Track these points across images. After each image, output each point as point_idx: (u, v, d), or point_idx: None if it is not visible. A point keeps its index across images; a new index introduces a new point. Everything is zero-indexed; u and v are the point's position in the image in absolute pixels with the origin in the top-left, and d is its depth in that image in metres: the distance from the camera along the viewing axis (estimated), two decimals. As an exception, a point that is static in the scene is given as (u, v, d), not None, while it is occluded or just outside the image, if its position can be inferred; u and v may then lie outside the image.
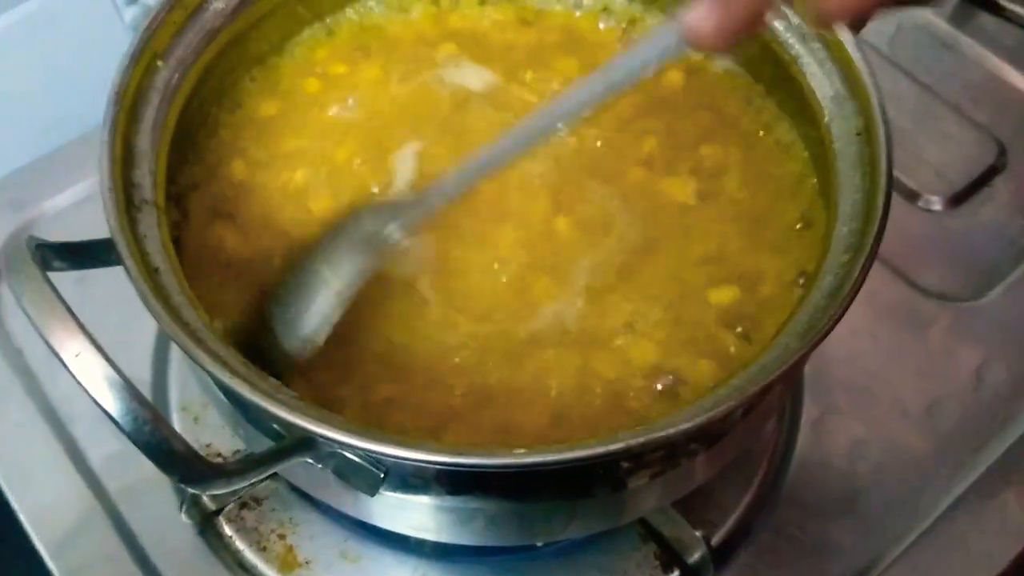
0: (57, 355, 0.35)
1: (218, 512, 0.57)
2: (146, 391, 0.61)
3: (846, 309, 0.40)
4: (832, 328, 0.40)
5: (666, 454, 0.43)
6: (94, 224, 0.43)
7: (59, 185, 0.70)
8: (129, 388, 0.35)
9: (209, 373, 0.39)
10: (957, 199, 0.72)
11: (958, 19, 0.81)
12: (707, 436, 0.43)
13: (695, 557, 0.55)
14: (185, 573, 0.55)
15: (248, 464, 0.39)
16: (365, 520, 0.47)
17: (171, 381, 0.62)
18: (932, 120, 0.76)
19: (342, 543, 0.56)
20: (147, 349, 0.62)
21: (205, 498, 0.57)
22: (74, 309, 0.61)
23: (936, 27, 0.80)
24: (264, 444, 0.44)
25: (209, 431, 0.59)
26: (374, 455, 0.39)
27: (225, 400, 0.46)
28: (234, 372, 0.39)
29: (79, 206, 0.69)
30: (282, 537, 0.56)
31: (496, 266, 0.49)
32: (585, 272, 0.49)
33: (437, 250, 0.49)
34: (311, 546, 0.56)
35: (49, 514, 0.57)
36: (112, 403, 0.35)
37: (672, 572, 0.56)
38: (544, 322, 0.47)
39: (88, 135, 0.74)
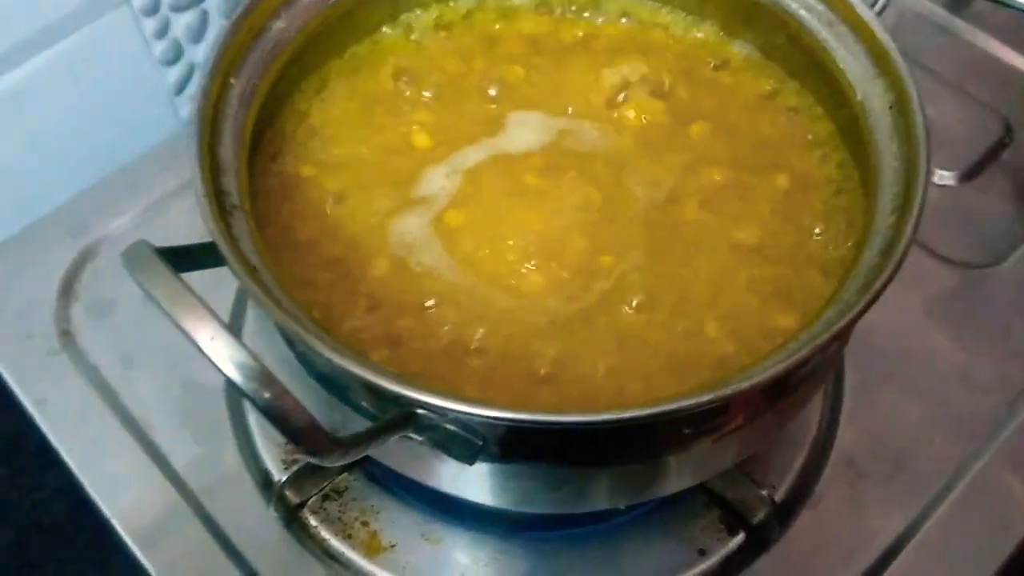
0: (192, 341, 0.38)
1: (301, 505, 0.60)
2: (222, 394, 0.64)
3: (901, 262, 0.44)
4: (891, 279, 0.43)
5: (745, 407, 0.46)
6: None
7: (114, 211, 0.73)
8: (261, 368, 0.38)
9: (327, 360, 0.41)
10: (970, 174, 0.76)
11: (954, 6, 0.85)
12: (782, 388, 0.47)
13: (760, 517, 0.58)
14: (277, 565, 0.58)
15: (361, 437, 0.42)
16: (458, 495, 0.50)
17: (245, 384, 0.64)
18: (938, 102, 0.80)
19: (422, 525, 0.59)
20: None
21: (288, 492, 0.60)
22: (140, 318, 0.65)
23: (935, 15, 0.85)
24: (360, 424, 0.47)
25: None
26: (478, 420, 0.42)
27: (319, 387, 0.49)
28: (346, 355, 0.42)
29: (137, 230, 0.72)
30: (365, 524, 0.59)
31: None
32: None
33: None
34: (394, 530, 0.59)
35: (141, 520, 0.59)
36: (245, 382, 0.38)
37: (737, 534, 0.59)
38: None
39: (134, 163, 0.77)
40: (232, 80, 0.53)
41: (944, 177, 0.75)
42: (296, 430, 0.39)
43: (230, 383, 0.38)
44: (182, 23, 0.78)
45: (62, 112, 0.75)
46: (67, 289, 0.68)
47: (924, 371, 0.66)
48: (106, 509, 0.60)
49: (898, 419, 0.64)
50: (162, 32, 0.78)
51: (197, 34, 0.80)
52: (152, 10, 0.75)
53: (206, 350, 0.38)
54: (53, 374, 0.65)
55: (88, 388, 0.64)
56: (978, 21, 0.84)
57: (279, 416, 0.39)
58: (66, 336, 0.67)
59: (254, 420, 0.63)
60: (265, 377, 0.38)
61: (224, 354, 0.38)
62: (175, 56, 0.80)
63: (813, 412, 0.63)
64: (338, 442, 0.41)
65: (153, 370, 0.65)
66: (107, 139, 0.78)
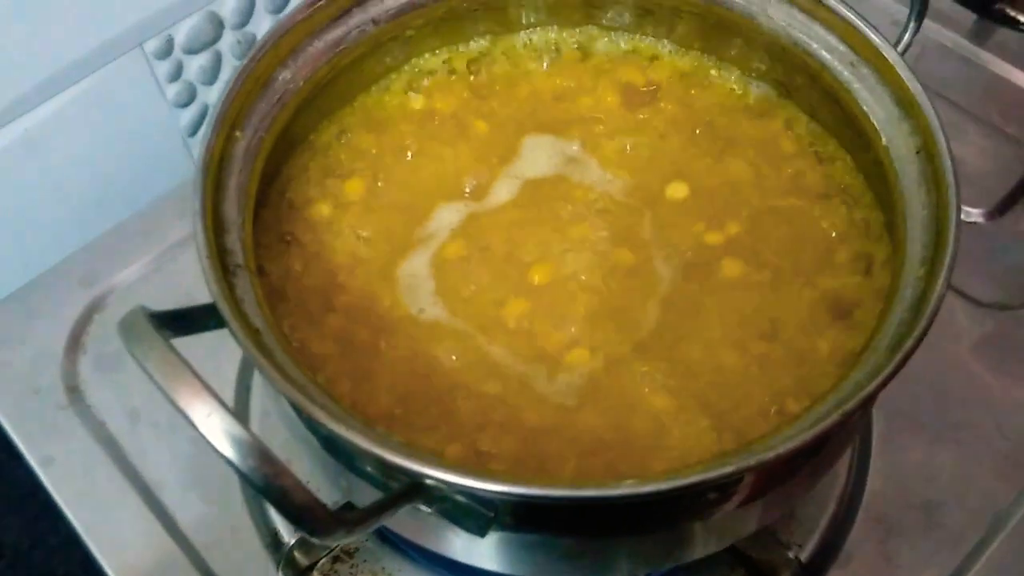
0: (187, 418, 0.36)
1: (311, 567, 0.58)
2: (229, 453, 0.62)
3: (933, 318, 0.42)
4: (923, 338, 0.41)
5: (770, 474, 0.44)
6: (164, 295, 0.44)
7: (125, 260, 0.72)
8: (258, 446, 0.37)
9: (328, 429, 0.40)
10: (998, 210, 0.73)
11: (978, 36, 0.83)
12: (810, 451, 0.45)
13: (786, 578, 0.56)
14: (285, 629, 0.56)
15: (367, 513, 0.40)
16: (471, 564, 0.48)
17: (252, 441, 0.63)
18: (964, 136, 0.78)
19: (435, 590, 0.57)
20: (226, 411, 0.64)
21: (297, 555, 0.58)
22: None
23: (959, 46, 0.82)
24: (367, 492, 0.45)
25: (295, 488, 0.60)
26: (487, 496, 0.40)
27: (326, 453, 0.47)
28: (350, 426, 0.40)
29: (147, 279, 0.70)
30: (376, 587, 0.57)
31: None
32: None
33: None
34: (406, 595, 0.57)
35: (144, 579, 0.58)
36: (243, 461, 0.36)
37: (763, 596, 0.57)
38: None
39: (146, 209, 0.76)
40: (238, 133, 0.51)
41: (971, 214, 0.73)
42: (296, 509, 0.37)
43: (226, 462, 0.36)
44: (195, 65, 0.77)
45: (75, 156, 0.75)
46: (75, 342, 0.67)
47: (956, 418, 0.64)
48: (108, 568, 0.58)
49: (929, 469, 0.62)
50: (175, 75, 0.77)
51: (211, 76, 0.79)
52: (165, 53, 0.74)
53: (201, 428, 0.36)
54: (60, 430, 0.63)
55: (95, 444, 0.63)
56: (1003, 51, 0.82)
57: (278, 496, 0.37)
58: (73, 391, 0.65)
59: (263, 477, 0.61)
60: (263, 455, 0.37)
61: (220, 431, 0.36)
62: (189, 98, 0.79)
63: (840, 463, 0.60)
64: (341, 519, 0.39)
65: (161, 426, 0.63)
66: (121, 182, 0.77)
